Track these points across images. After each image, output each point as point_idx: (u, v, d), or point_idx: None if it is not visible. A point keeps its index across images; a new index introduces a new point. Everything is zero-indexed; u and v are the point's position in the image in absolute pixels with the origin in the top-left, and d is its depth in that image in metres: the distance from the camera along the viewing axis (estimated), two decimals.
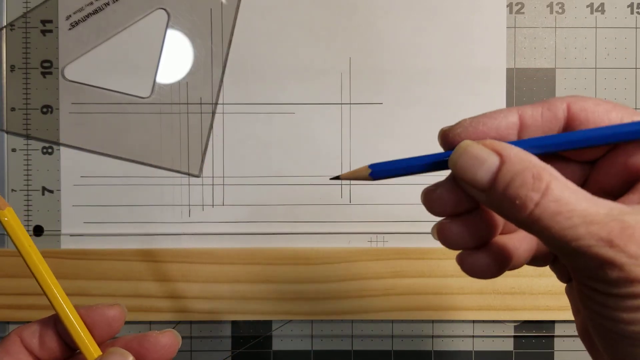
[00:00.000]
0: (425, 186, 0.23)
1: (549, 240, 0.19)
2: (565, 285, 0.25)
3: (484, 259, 0.22)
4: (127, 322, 0.41)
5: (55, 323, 0.25)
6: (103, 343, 0.25)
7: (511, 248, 0.23)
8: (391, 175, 0.23)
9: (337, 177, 0.24)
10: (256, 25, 0.41)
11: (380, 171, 0.23)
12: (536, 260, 0.25)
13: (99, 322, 0.25)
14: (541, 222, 0.18)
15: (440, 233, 0.22)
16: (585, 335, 0.24)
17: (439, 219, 0.23)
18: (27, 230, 0.41)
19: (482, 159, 0.20)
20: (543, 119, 0.22)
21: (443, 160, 0.22)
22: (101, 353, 0.24)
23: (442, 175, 0.22)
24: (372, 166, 0.23)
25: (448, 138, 0.22)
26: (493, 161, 0.20)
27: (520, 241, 0.23)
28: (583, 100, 0.21)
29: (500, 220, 0.23)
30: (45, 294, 0.24)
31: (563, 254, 0.19)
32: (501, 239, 0.23)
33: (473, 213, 0.22)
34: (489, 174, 0.19)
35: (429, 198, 0.22)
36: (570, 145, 0.21)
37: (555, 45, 0.41)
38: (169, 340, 0.25)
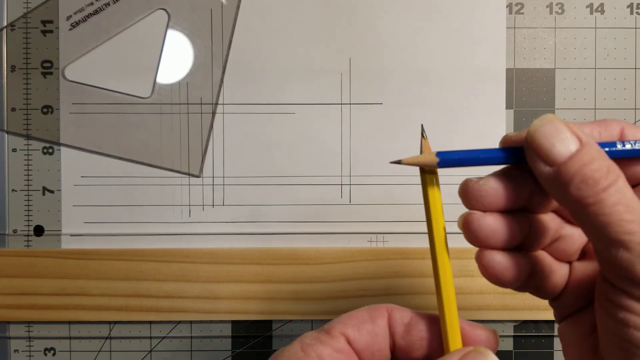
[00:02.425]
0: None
1: (600, 227, 0.19)
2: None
3: (511, 260, 0.22)
4: (127, 322, 0.41)
5: (429, 322, 0.24)
6: None
7: (544, 265, 0.23)
8: (458, 165, 0.23)
9: (398, 162, 0.23)
10: (256, 26, 0.41)
11: (448, 160, 0.22)
12: (545, 288, 0.24)
13: (468, 338, 0.24)
14: (602, 207, 0.19)
15: (467, 222, 0.22)
16: None
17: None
18: (28, 230, 0.41)
19: (564, 135, 0.20)
20: (600, 138, 0.22)
21: (513, 153, 0.22)
22: None
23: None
24: (440, 154, 0.22)
25: (510, 141, 0.22)
26: (573, 141, 0.20)
27: (558, 265, 0.24)
28: (635, 129, 0.22)
29: (544, 231, 0.23)
30: (435, 274, 0.23)
31: (606, 245, 0.19)
32: (540, 254, 0.24)
33: (513, 215, 0.22)
34: (567, 149, 0.20)
35: (468, 187, 0.22)
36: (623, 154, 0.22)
37: (554, 45, 0.41)
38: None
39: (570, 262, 0.25)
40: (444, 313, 0.23)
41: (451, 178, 0.41)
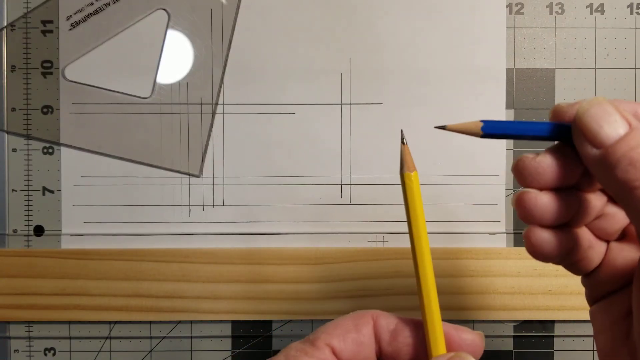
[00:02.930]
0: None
1: None
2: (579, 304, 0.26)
3: (556, 237, 0.22)
4: (127, 322, 0.41)
5: (415, 327, 0.24)
6: None
7: (584, 240, 0.23)
8: (501, 136, 0.22)
9: (443, 127, 0.23)
10: (256, 26, 0.41)
11: (493, 128, 0.22)
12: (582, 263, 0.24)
13: (454, 342, 0.24)
14: None
15: (523, 200, 0.22)
16: (607, 358, 0.24)
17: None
18: (28, 230, 0.41)
19: (613, 117, 0.20)
20: None
21: (560, 129, 0.22)
22: None
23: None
24: (485, 123, 0.22)
25: (565, 116, 0.22)
26: (621, 125, 0.20)
27: (596, 241, 0.24)
28: None
29: (591, 209, 0.23)
30: (417, 278, 0.23)
31: None
32: (581, 229, 0.24)
33: (563, 192, 0.22)
34: (615, 132, 0.20)
35: (525, 164, 0.22)
36: None
37: (554, 45, 0.41)
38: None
39: (608, 242, 0.25)
40: (426, 318, 0.23)
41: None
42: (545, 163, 0.22)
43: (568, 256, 0.23)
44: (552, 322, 0.41)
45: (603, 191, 0.24)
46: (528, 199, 0.22)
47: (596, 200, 0.23)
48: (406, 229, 0.41)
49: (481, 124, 0.22)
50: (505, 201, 0.41)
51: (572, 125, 0.21)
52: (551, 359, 0.41)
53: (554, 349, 0.41)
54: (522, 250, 0.40)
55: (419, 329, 0.24)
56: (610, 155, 0.20)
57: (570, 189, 0.22)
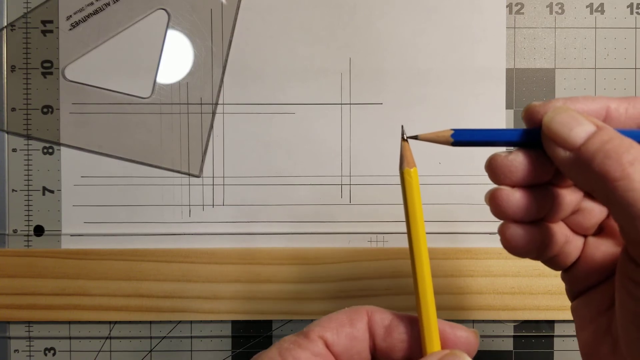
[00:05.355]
0: None
1: (628, 204, 0.18)
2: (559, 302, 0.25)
3: (531, 232, 0.22)
4: (127, 322, 0.41)
5: (410, 324, 0.24)
6: None
7: (560, 235, 0.23)
8: (472, 144, 0.22)
9: (415, 137, 0.23)
10: (256, 26, 0.41)
11: (463, 137, 0.22)
12: (560, 258, 0.24)
13: (448, 339, 0.24)
14: (629, 183, 0.18)
15: (496, 198, 0.22)
16: (589, 353, 0.24)
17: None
18: (28, 230, 0.41)
19: (580, 120, 0.20)
20: (627, 115, 0.22)
21: (529, 134, 0.22)
22: None
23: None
24: (455, 133, 0.22)
25: (537, 115, 0.22)
26: (589, 125, 0.20)
27: (573, 236, 0.24)
28: None
29: (566, 204, 0.23)
30: (414, 275, 0.23)
31: (633, 224, 0.19)
32: (557, 224, 0.24)
33: (537, 188, 0.22)
34: (585, 132, 0.20)
35: (497, 162, 0.22)
36: None
37: (554, 45, 0.41)
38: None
39: (585, 236, 0.25)
40: (421, 315, 0.23)
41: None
42: (517, 161, 0.22)
43: (545, 251, 0.24)
44: (552, 322, 0.41)
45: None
46: (501, 196, 0.22)
47: (571, 196, 0.23)
48: (406, 229, 0.41)
49: (451, 132, 0.22)
50: None
51: (541, 133, 0.21)
52: (551, 359, 0.41)
53: (554, 349, 0.41)
54: None
55: (414, 325, 0.24)
56: (584, 153, 0.20)
57: (544, 185, 0.23)
